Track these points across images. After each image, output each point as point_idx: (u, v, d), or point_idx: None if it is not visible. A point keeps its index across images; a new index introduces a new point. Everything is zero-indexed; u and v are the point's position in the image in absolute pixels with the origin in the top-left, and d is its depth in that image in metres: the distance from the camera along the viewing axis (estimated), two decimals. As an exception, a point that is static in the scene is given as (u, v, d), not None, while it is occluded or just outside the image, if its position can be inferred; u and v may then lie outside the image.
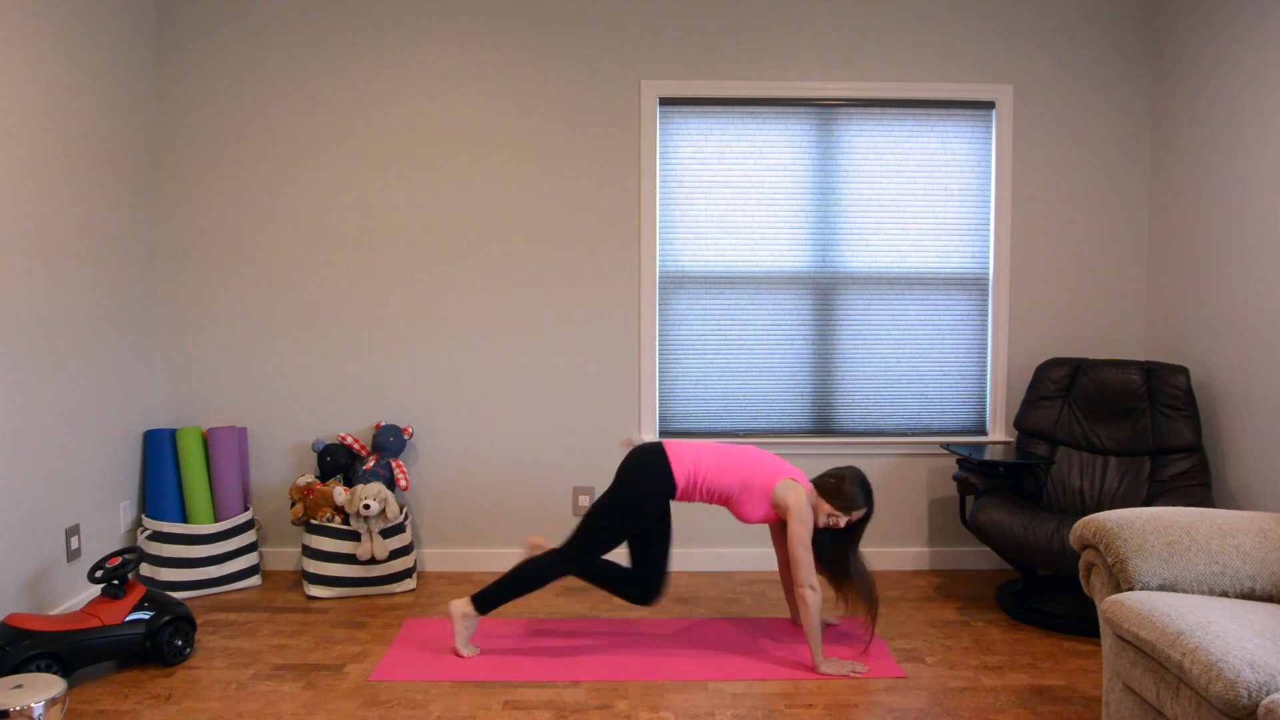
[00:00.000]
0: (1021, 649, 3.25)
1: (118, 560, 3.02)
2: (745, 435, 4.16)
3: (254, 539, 3.93)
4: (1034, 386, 3.96)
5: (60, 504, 3.37)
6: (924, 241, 4.14)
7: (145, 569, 3.73)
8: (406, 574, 3.85)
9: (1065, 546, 3.27)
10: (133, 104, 3.82)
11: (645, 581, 3.24)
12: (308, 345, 4.09)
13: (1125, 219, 4.17)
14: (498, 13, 4.03)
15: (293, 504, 3.86)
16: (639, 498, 3.10)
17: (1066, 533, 3.28)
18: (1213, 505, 3.63)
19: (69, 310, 3.42)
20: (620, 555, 4.15)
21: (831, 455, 4.15)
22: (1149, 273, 4.17)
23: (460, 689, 2.89)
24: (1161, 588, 2.36)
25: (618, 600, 3.74)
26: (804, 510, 3.05)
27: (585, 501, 4.15)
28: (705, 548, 4.18)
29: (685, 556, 4.17)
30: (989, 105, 4.11)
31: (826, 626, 3.45)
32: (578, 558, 3.12)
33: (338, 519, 3.77)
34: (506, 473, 4.14)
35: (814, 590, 2.99)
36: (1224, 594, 2.36)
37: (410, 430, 4.05)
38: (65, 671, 2.78)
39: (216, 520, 3.84)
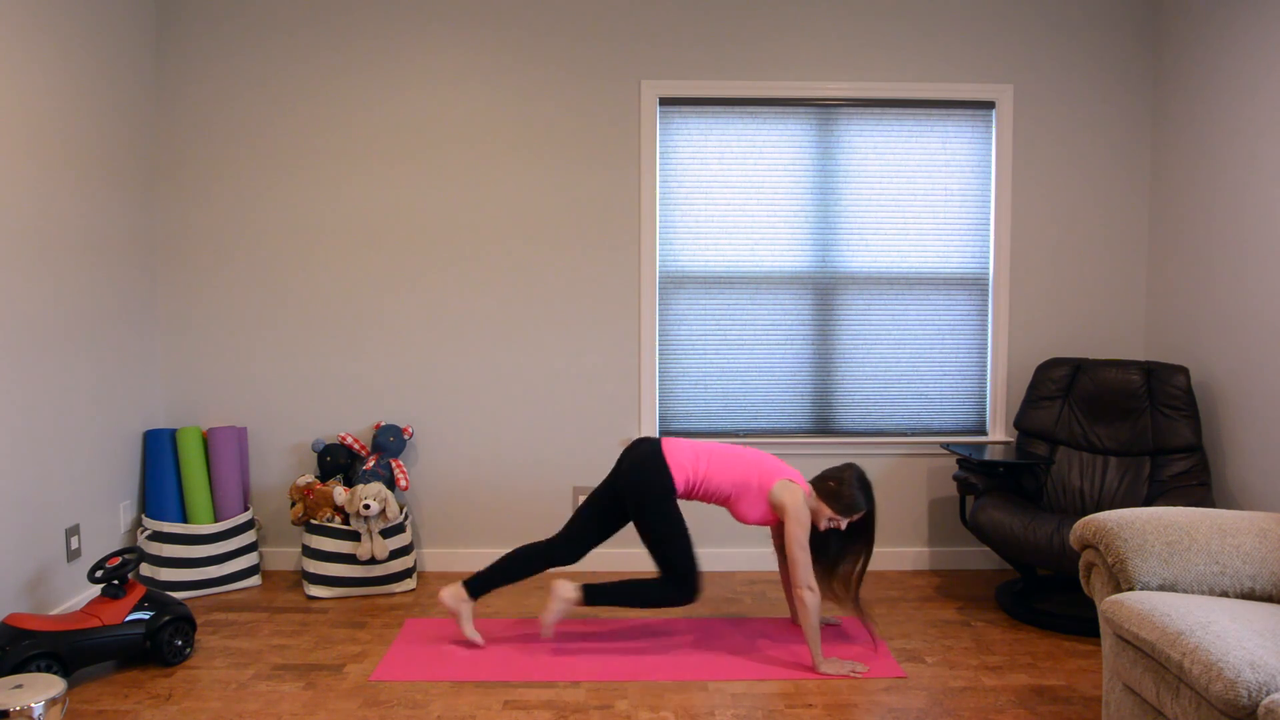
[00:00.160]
0: (1021, 649, 3.25)
1: (118, 560, 3.02)
2: (745, 435, 4.16)
3: (254, 539, 3.93)
4: (1034, 386, 3.96)
5: (60, 504, 3.37)
6: (924, 241, 4.14)
7: (145, 569, 3.73)
8: (406, 574, 3.84)
9: (1065, 546, 3.27)
10: (133, 104, 3.82)
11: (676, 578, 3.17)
12: (308, 345, 4.09)
13: (1125, 219, 4.17)
14: (497, 12, 4.03)
15: (293, 504, 3.86)
16: (661, 507, 3.10)
17: (1066, 533, 3.28)
18: (1213, 505, 3.63)
19: (69, 310, 3.42)
20: (606, 558, 4.16)
21: (831, 455, 4.15)
22: (1149, 273, 4.17)
23: (460, 689, 2.89)
24: (1161, 588, 2.36)
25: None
26: (801, 511, 3.05)
27: (585, 501, 4.15)
28: (705, 548, 4.18)
29: (685, 556, 4.16)
30: (989, 105, 4.11)
31: (827, 626, 3.45)
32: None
33: (338, 519, 3.77)
34: (506, 473, 4.14)
35: (812, 591, 2.99)
36: (1224, 594, 2.36)
37: (410, 430, 4.05)
38: (65, 671, 2.78)
39: (216, 520, 3.84)
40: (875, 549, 4.19)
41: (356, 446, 3.99)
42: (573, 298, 4.10)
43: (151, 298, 4.00)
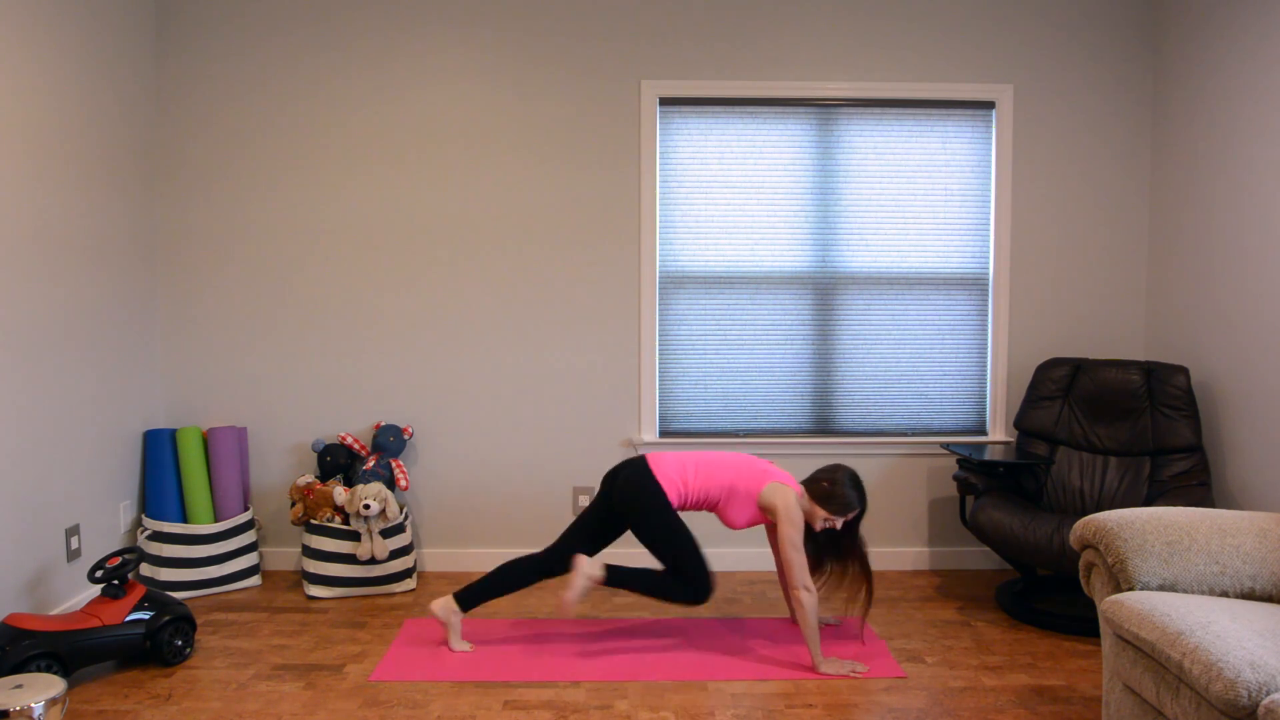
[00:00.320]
0: (1021, 649, 3.25)
1: (118, 560, 3.02)
2: (745, 435, 4.16)
3: (254, 539, 3.93)
4: (1034, 386, 3.96)
5: (60, 504, 3.37)
6: (924, 241, 4.14)
7: (145, 569, 3.73)
8: (406, 574, 3.84)
9: (1065, 546, 3.27)
10: (133, 104, 3.82)
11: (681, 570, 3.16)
12: (308, 345, 4.09)
13: (1125, 219, 4.17)
14: (498, 12, 4.03)
15: (293, 504, 3.86)
16: (661, 516, 3.09)
17: (1066, 533, 3.28)
18: (1213, 505, 3.63)
19: (69, 310, 3.42)
20: (614, 558, 4.16)
21: (832, 455, 4.15)
22: (1149, 273, 4.17)
23: (460, 689, 2.89)
24: (1161, 588, 2.36)
25: (618, 600, 3.74)
26: (793, 512, 3.05)
27: (585, 501, 4.15)
28: (705, 547, 4.18)
29: (685, 556, 4.16)
30: (989, 105, 4.11)
31: (827, 626, 3.45)
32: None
33: (338, 519, 3.77)
34: (506, 473, 4.14)
35: (809, 591, 2.99)
36: (1224, 594, 2.36)
37: (410, 430, 4.05)
38: (65, 671, 2.78)
39: (216, 520, 3.84)
40: (875, 549, 4.19)
41: (356, 446, 3.99)
42: (573, 298, 4.10)
43: (151, 298, 4.00)
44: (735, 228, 4.12)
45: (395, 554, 3.80)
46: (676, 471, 3.15)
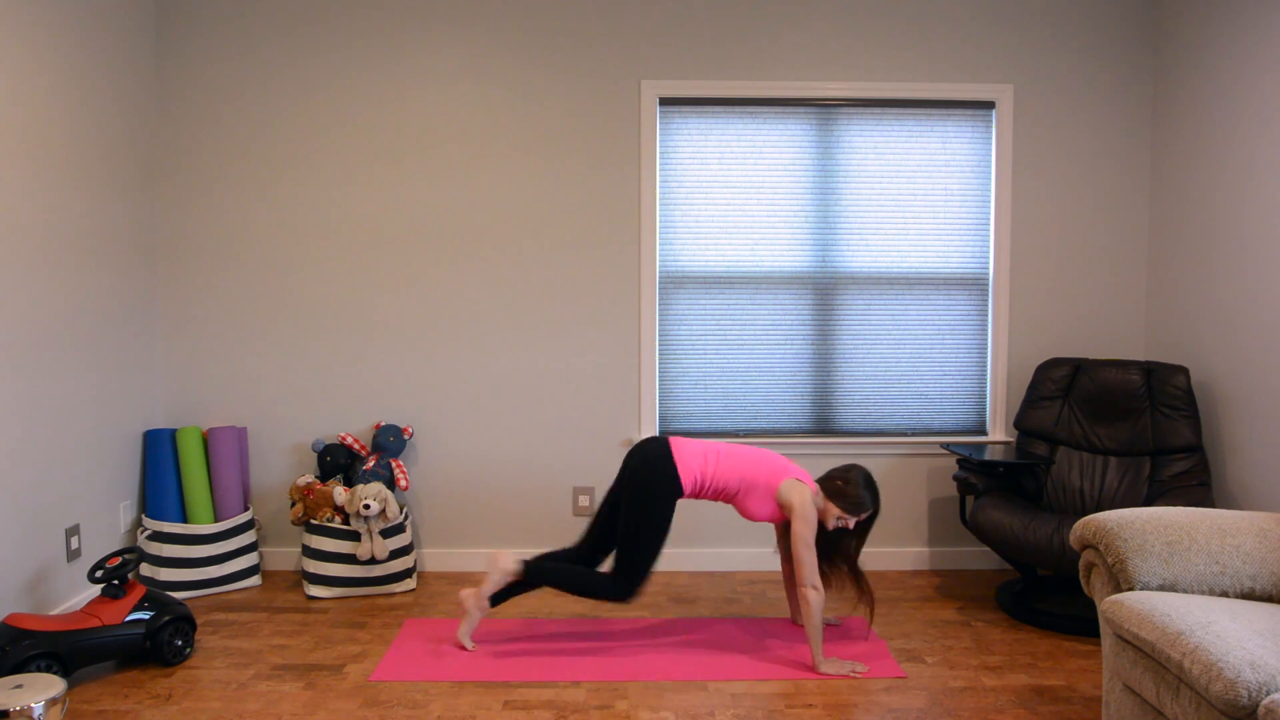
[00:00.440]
0: (1021, 649, 3.25)
1: (118, 560, 3.02)
2: (745, 435, 4.16)
3: (254, 539, 3.93)
4: (1034, 386, 3.96)
5: (60, 504, 3.37)
6: (924, 241, 4.14)
7: (145, 569, 3.73)
8: (406, 574, 3.84)
9: (1065, 546, 3.27)
10: (133, 104, 3.82)
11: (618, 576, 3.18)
12: (308, 345, 4.09)
13: (1125, 219, 4.17)
14: (498, 13, 4.03)
15: (293, 504, 3.86)
16: (657, 506, 3.09)
17: (1066, 533, 3.28)
18: (1213, 505, 3.63)
19: (69, 311, 3.42)
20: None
21: (832, 455, 4.15)
22: (1149, 273, 4.17)
23: (460, 689, 2.89)
24: (1161, 588, 2.36)
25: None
26: (808, 510, 3.05)
27: (585, 501, 4.15)
28: (706, 547, 4.18)
29: (686, 556, 4.17)
30: (989, 105, 4.11)
31: (827, 626, 3.45)
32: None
33: (338, 519, 3.77)
34: (506, 473, 4.14)
35: (817, 590, 2.99)
36: (1224, 594, 2.36)
37: (410, 430, 4.05)
38: (65, 671, 2.78)
39: (216, 520, 3.84)
40: (875, 549, 4.20)
41: (356, 446, 3.99)
42: (573, 297, 4.10)
43: (151, 298, 4.00)
44: (735, 228, 4.12)
45: (395, 554, 3.80)
46: (697, 460, 3.15)
